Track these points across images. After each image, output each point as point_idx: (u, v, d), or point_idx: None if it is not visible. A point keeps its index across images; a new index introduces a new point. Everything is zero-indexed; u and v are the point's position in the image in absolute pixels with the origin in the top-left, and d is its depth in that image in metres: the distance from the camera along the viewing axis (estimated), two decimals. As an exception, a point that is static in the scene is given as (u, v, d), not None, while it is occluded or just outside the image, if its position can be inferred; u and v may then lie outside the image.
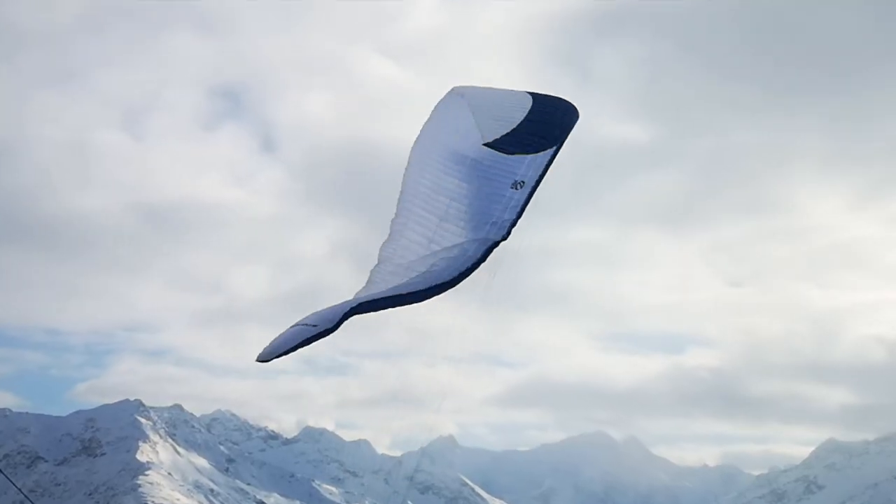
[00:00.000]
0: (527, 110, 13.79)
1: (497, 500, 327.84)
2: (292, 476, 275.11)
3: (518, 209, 12.24)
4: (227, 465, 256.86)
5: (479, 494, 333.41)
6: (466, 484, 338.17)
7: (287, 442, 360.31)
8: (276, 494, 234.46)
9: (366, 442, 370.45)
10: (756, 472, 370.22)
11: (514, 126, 13.53)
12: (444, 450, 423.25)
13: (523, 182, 12.49)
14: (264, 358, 11.24)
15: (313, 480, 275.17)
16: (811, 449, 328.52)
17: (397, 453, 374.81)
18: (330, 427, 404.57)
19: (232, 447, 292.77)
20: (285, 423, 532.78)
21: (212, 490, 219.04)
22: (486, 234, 11.95)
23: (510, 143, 13.27)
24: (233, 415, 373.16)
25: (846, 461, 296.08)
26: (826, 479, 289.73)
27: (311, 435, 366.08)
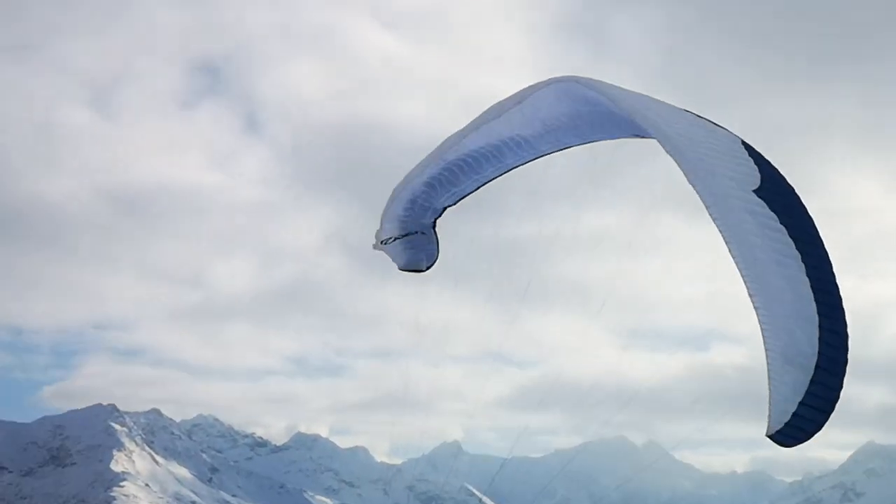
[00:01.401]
0: None
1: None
2: (282, 487, 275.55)
3: None
4: (210, 474, 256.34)
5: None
6: (473, 493, 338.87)
7: (276, 449, 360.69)
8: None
9: (363, 449, 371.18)
10: (789, 479, 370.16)
11: None
12: (448, 457, 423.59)
13: None
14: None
15: (305, 491, 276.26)
16: (849, 453, 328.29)
17: (397, 461, 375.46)
18: (323, 433, 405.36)
19: (215, 455, 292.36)
20: (274, 429, 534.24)
21: (193, 502, 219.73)
22: None
23: None
24: (216, 420, 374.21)
25: (887, 466, 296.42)
26: (865, 486, 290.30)
27: (303, 442, 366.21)
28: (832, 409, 10.36)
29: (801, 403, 10.17)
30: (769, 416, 10.21)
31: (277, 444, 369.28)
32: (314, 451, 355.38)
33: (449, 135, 15.42)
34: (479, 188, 15.54)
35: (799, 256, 11.16)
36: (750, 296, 10.78)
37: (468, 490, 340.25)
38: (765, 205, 11.48)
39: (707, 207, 11.27)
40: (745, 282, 10.88)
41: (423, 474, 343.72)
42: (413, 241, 16.14)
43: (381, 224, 16.41)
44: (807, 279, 10.94)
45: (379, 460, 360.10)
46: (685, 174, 11.75)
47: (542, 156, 15.02)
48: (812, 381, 10.25)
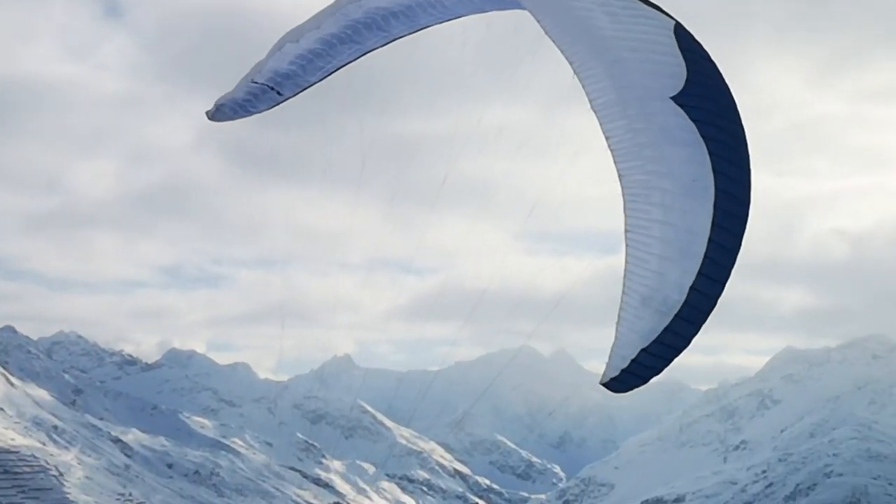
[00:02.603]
0: None
1: (404, 428, 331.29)
2: (155, 408, 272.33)
3: None
4: (73, 396, 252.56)
5: (381, 422, 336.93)
6: (367, 411, 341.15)
7: (148, 368, 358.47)
8: (135, 430, 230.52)
9: (244, 365, 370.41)
10: (703, 387, 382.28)
11: None
12: (339, 372, 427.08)
13: None
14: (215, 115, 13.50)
15: (181, 412, 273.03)
16: (765, 359, 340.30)
17: (283, 378, 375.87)
18: (200, 349, 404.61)
19: (79, 376, 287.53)
20: (145, 346, 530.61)
21: (55, 427, 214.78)
22: None
23: None
24: (79, 337, 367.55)
25: (804, 371, 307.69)
26: (782, 393, 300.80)
27: (178, 359, 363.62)
28: (676, 356, 10.69)
29: (643, 350, 10.20)
30: (608, 362, 10.62)
31: (149, 361, 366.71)
32: (190, 368, 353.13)
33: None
34: (383, 45, 14.73)
35: (712, 179, 10.42)
36: (626, 231, 10.56)
37: (362, 407, 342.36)
38: (684, 114, 10.64)
39: (598, 118, 10.94)
40: (625, 213, 10.62)
41: (311, 391, 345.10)
42: (264, 94, 15.64)
43: (248, 75, 15.75)
44: (711, 209, 10.27)
45: (262, 377, 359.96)
46: (575, 72, 11.36)
47: (455, 17, 14.09)
48: (666, 329, 10.12)
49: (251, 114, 15.99)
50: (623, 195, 10.57)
